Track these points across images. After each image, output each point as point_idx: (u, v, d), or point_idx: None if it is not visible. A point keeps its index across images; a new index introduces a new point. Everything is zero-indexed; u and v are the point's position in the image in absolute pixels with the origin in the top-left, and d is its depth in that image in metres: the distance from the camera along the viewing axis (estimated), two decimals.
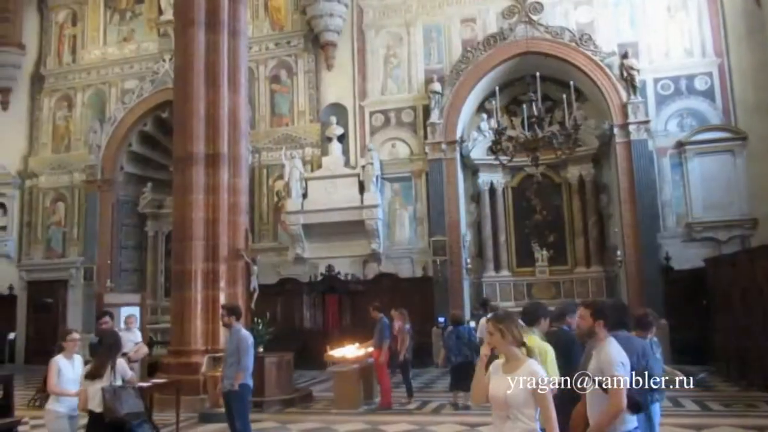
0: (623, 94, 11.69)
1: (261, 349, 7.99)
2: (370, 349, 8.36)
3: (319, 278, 12.80)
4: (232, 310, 5.51)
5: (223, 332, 8.47)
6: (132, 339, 7.38)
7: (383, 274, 12.62)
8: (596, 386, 3.09)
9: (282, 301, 12.50)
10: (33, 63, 15.34)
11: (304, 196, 12.89)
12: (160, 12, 14.46)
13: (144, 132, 14.52)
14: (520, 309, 4.83)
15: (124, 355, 5.86)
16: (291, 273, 12.92)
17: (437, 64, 13.10)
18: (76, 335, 4.79)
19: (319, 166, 13.19)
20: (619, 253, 11.77)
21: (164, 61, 13.94)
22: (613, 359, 3.06)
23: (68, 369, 4.58)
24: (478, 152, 12.90)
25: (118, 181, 14.51)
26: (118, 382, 4.41)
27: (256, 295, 9.16)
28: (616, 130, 11.72)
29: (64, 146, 14.93)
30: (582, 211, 12.60)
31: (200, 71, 9.04)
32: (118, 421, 4.27)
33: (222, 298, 8.75)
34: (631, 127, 11.56)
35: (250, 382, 5.40)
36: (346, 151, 13.22)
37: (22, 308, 14.54)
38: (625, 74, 11.70)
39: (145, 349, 7.41)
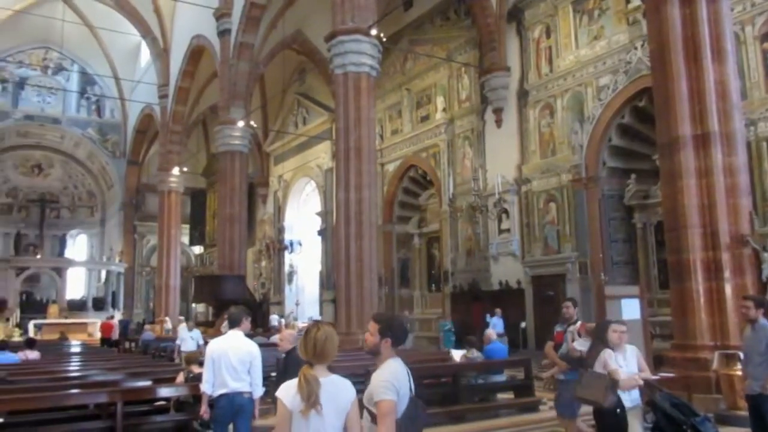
0: None
1: None
2: None
3: None
4: (761, 303, 4.93)
5: (733, 327, 7.72)
6: None
7: None
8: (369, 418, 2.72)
9: None
10: (517, 81, 17.11)
11: None
12: (627, 1, 14.27)
13: (622, 124, 14.48)
14: None
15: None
16: None
17: None
18: (620, 327, 4.95)
19: None
20: None
21: (636, 49, 13.66)
22: (378, 382, 2.75)
23: (619, 360, 4.78)
24: None
25: (601, 177, 14.83)
26: (599, 370, 4.61)
27: None
28: None
29: (550, 151, 16.13)
30: None
31: (678, 48, 8.50)
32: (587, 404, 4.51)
33: (727, 290, 7.98)
34: None
35: None
36: None
37: (529, 300, 16.23)
38: None
39: None
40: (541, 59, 16.55)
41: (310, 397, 2.60)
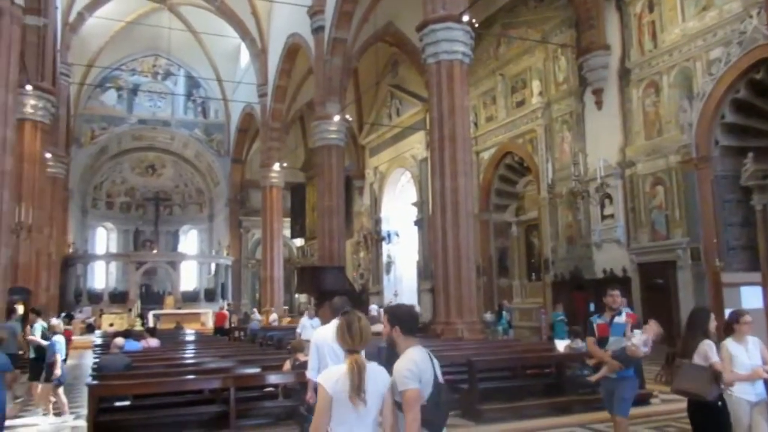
0: None
1: None
2: None
3: None
4: None
5: None
6: None
7: None
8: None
9: None
10: (618, 60, 16.31)
11: None
12: None
13: (737, 100, 13.45)
14: None
15: None
16: None
17: None
18: (748, 318, 4.67)
19: None
20: None
21: (751, 17, 12.63)
22: (401, 372, 2.86)
23: (741, 352, 4.54)
24: None
25: (714, 157, 13.88)
26: (699, 362, 4.39)
27: None
28: None
29: (656, 131, 15.28)
30: None
31: None
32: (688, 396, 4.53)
33: None
34: None
35: None
36: None
37: (635, 289, 15.51)
38: None
39: None
40: (643, 35, 15.68)
41: (360, 384, 2.74)
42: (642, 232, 15.58)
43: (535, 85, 19.05)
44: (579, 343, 8.80)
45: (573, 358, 8.84)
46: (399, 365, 2.95)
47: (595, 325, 5.63)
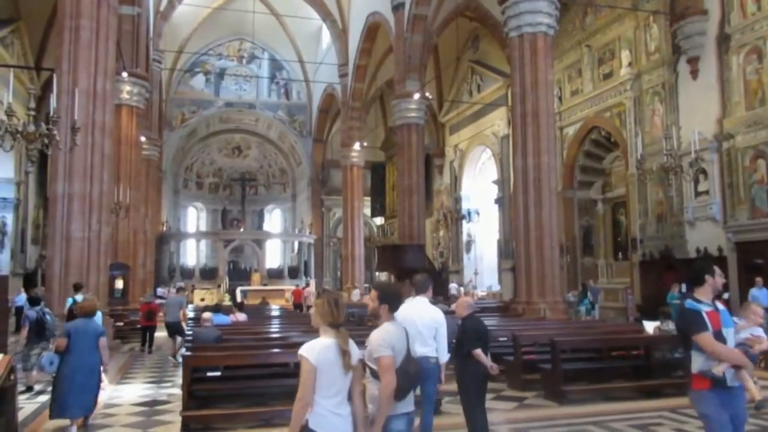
0: None
1: None
2: None
3: None
4: None
5: None
6: None
7: None
8: (369, 373, 3.21)
9: None
10: (716, 25, 15.26)
11: None
12: None
13: None
14: None
15: None
16: None
17: None
18: None
19: None
20: None
21: None
22: (375, 341, 3.22)
23: None
24: None
25: None
26: None
27: None
28: None
29: (758, 101, 14.23)
30: None
31: None
32: None
33: None
34: None
35: None
36: None
37: (732, 269, 14.66)
38: None
39: None
40: None
41: (349, 353, 3.03)
42: (740, 209, 14.66)
43: (624, 56, 18.17)
44: (669, 325, 8.42)
45: (662, 341, 8.49)
46: (375, 335, 3.29)
47: (704, 314, 3.78)
